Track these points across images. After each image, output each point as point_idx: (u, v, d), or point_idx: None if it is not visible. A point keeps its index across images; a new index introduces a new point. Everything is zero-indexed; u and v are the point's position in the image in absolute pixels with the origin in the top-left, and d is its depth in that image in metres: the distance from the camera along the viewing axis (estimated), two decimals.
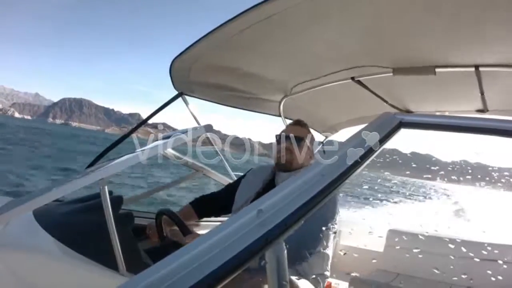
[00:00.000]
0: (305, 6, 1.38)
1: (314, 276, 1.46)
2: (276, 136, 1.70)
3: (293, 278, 1.33)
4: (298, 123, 1.76)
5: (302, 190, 0.55)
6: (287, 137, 1.64)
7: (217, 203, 1.81)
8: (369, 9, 1.42)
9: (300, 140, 1.64)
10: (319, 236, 1.46)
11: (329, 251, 1.53)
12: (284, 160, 1.64)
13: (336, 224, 1.55)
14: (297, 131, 1.68)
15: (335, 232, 1.54)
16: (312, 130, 3.11)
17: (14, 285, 1.09)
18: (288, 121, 2.79)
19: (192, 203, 1.83)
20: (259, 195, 1.62)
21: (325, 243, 1.49)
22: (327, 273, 1.52)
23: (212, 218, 1.97)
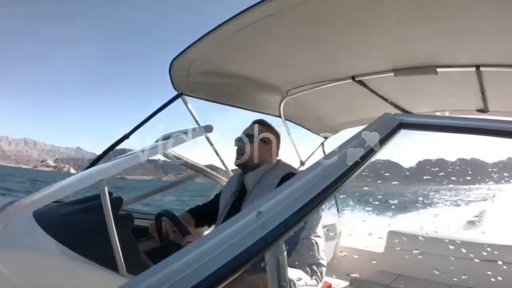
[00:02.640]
0: (306, 7, 1.37)
1: (309, 266, 1.45)
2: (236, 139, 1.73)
3: (290, 273, 1.32)
4: (255, 122, 1.76)
5: (302, 191, 0.54)
6: (240, 138, 1.68)
7: (209, 213, 1.82)
8: (369, 10, 1.42)
9: (251, 137, 1.65)
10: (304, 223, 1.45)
11: (318, 238, 1.51)
12: (237, 160, 1.66)
13: (322, 211, 1.55)
14: (250, 130, 1.70)
15: (318, 219, 1.53)
16: (311, 132, 3.11)
17: (13, 286, 1.08)
18: (288, 123, 2.79)
19: (190, 211, 1.83)
20: (235, 200, 1.65)
21: (311, 229, 1.49)
22: (323, 261, 1.50)
23: None
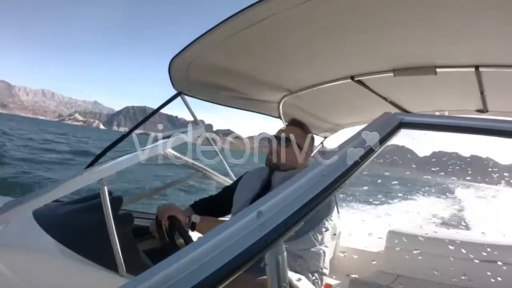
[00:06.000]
0: (305, 7, 1.37)
1: (311, 273, 1.45)
2: (271, 136, 1.71)
3: (290, 275, 1.32)
4: (292, 123, 1.74)
5: (302, 191, 0.54)
6: (278, 138, 1.65)
7: (216, 206, 1.80)
8: (369, 10, 1.42)
9: (289, 141, 1.64)
10: (314, 232, 1.46)
11: (325, 248, 1.51)
12: (273, 161, 1.65)
13: (331, 220, 1.55)
14: (289, 132, 1.67)
15: (328, 230, 1.53)
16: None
17: (13, 286, 1.08)
18: None
19: (193, 206, 1.82)
20: (257, 196, 1.62)
21: (320, 239, 1.49)
22: (325, 270, 1.51)
23: None
